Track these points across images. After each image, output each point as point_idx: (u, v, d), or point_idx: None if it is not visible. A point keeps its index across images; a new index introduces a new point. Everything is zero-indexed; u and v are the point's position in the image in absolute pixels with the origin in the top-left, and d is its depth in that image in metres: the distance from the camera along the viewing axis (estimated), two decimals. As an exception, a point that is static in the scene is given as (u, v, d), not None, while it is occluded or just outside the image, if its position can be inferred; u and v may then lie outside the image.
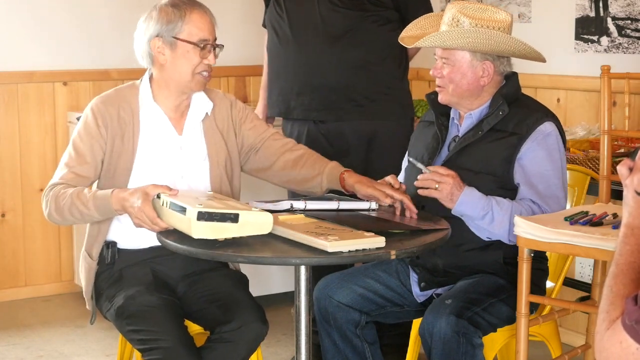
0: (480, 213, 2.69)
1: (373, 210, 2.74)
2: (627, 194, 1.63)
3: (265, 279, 4.42)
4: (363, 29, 3.54)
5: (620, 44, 3.75)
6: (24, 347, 4.04)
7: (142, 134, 2.84)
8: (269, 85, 3.77)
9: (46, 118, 4.68)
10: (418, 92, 4.67)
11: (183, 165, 2.86)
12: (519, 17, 4.16)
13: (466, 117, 2.87)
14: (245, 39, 5.04)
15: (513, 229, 2.68)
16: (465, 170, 2.77)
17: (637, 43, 3.68)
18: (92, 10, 4.71)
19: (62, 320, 4.38)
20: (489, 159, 2.77)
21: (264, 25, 3.85)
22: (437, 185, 2.66)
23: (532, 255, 2.64)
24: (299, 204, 2.75)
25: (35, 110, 4.65)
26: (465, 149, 2.80)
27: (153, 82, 2.86)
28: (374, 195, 2.74)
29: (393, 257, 2.36)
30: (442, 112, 2.92)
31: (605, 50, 3.80)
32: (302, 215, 2.63)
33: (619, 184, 3.13)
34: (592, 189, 3.10)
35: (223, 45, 2.85)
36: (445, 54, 2.79)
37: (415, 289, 2.91)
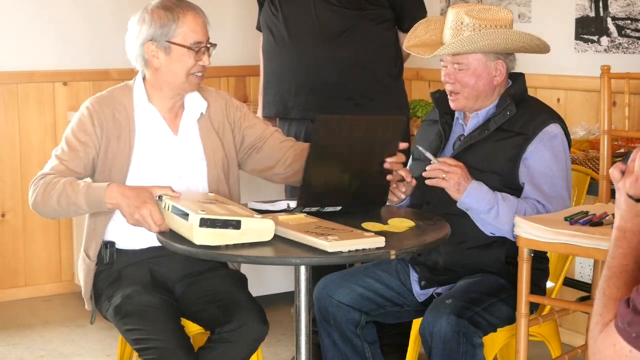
0: (486, 207, 2.70)
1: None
2: (619, 197, 1.65)
3: (265, 279, 4.42)
4: (359, 27, 3.54)
5: (620, 44, 3.75)
6: (24, 347, 4.04)
7: (137, 135, 2.83)
8: (265, 86, 3.77)
9: (46, 118, 4.68)
10: (418, 92, 4.68)
11: (180, 166, 2.86)
12: (519, 17, 4.16)
13: (472, 117, 2.88)
14: (245, 39, 5.04)
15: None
16: (470, 168, 2.77)
17: (637, 43, 3.68)
18: (93, 10, 4.71)
19: (62, 320, 4.38)
20: (494, 158, 2.78)
21: (258, 28, 3.85)
22: (444, 175, 2.67)
23: (532, 255, 2.64)
24: (294, 203, 2.75)
25: (35, 110, 4.65)
26: (470, 148, 2.81)
27: (146, 83, 2.86)
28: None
29: (393, 257, 2.36)
30: (447, 111, 2.93)
31: (605, 50, 3.80)
32: (302, 215, 2.63)
33: (619, 184, 3.15)
34: (592, 189, 3.11)
35: (216, 44, 2.84)
36: (457, 59, 2.79)
37: (415, 287, 2.91)
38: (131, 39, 2.82)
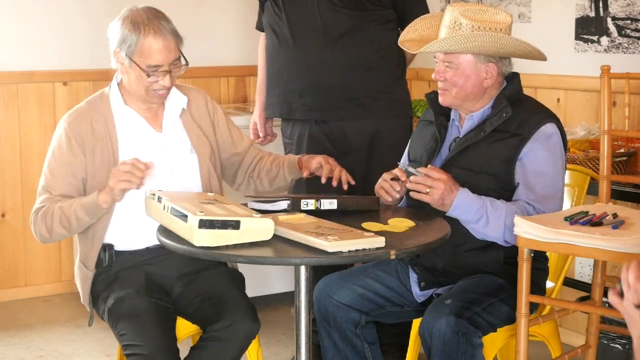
0: (475, 217, 2.70)
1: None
2: (632, 313, 1.75)
3: (265, 279, 4.42)
4: (363, 28, 3.54)
5: (620, 44, 3.75)
6: (24, 347, 4.04)
7: (120, 140, 2.84)
8: (268, 87, 3.76)
9: (46, 118, 4.68)
10: (418, 92, 4.67)
11: (169, 162, 2.87)
12: (519, 17, 4.16)
13: (467, 119, 2.87)
14: (245, 39, 5.04)
15: (507, 232, 2.69)
16: (466, 170, 2.77)
17: (637, 43, 3.68)
18: (93, 11, 4.71)
19: (62, 320, 4.38)
20: (490, 159, 2.78)
21: (258, 28, 3.85)
22: (428, 190, 2.67)
23: (532, 255, 2.64)
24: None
25: (35, 110, 4.65)
26: (466, 150, 2.80)
27: (121, 87, 2.89)
28: (319, 162, 2.93)
29: (393, 257, 2.36)
30: (442, 112, 2.92)
31: (605, 50, 3.80)
32: (302, 215, 2.63)
33: (619, 184, 3.15)
34: (592, 189, 3.10)
35: (187, 64, 2.82)
36: (448, 57, 2.78)
37: (415, 288, 2.91)
38: (109, 38, 2.85)
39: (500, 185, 2.77)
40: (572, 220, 2.62)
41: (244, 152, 3.06)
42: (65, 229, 2.77)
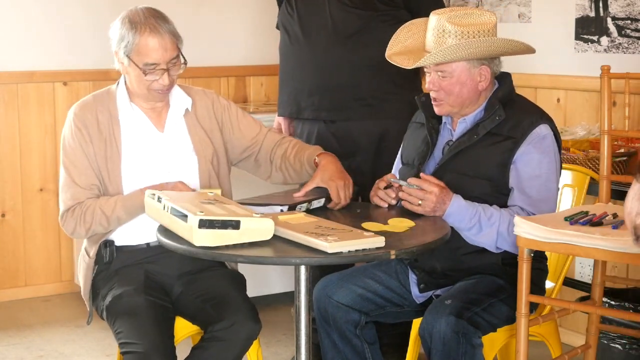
0: (467, 225, 2.70)
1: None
2: None
3: (265, 279, 4.42)
4: (373, 28, 3.53)
5: (620, 44, 3.75)
6: (24, 347, 4.04)
7: (124, 135, 2.86)
8: (281, 85, 3.77)
9: (46, 118, 4.68)
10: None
11: (169, 162, 2.88)
12: (519, 17, 4.16)
13: (460, 122, 2.86)
14: (245, 39, 5.05)
15: (500, 239, 2.70)
16: (460, 174, 2.77)
17: (637, 43, 3.68)
18: (93, 10, 4.71)
19: (62, 320, 4.38)
20: (484, 163, 2.77)
21: (278, 27, 3.85)
22: (420, 202, 2.67)
23: (532, 255, 2.64)
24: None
25: (35, 110, 4.65)
26: (460, 154, 2.80)
27: (127, 85, 2.90)
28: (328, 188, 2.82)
29: (393, 257, 2.36)
30: (433, 115, 2.90)
31: (605, 50, 3.80)
32: (302, 215, 2.63)
33: (619, 184, 3.15)
34: (592, 189, 3.10)
35: (186, 63, 2.84)
36: (441, 67, 2.77)
37: (414, 290, 2.91)
38: (111, 42, 2.87)
39: (494, 189, 2.76)
40: (572, 220, 2.62)
41: (258, 142, 3.03)
42: (104, 227, 2.82)
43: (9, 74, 4.59)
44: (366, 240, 2.35)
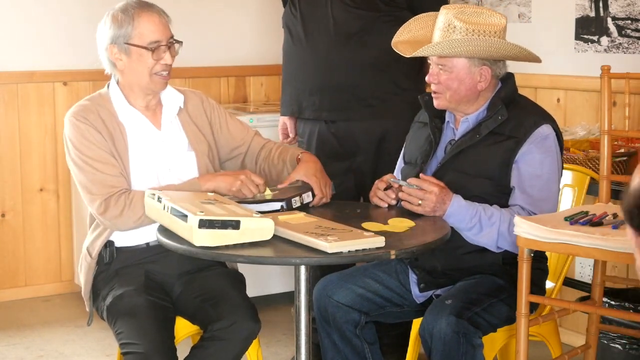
0: (468, 225, 2.70)
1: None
2: None
3: (265, 279, 4.42)
4: (375, 29, 3.53)
5: (620, 44, 3.75)
6: (24, 347, 4.04)
7: (128, 133, 2.87)
8: (283, 85, 3.79)
9: (46, 118, 4.68)
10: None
11: (168, 158, 2.90)
12: (519, 17, 4.16)
13: (462, 121, 2.86)
14: (245, 39, 5.05)
15: (500, 239, 2.70)
16: (462, 173, 2.77)
17: (637, 43, 3.68)
18: (93, 10, 4.69)
19: (62, 320, 4.38)
20: (486, 162, 2.77)
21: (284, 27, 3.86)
22: (419, 202, 2.67)
23: (532, 255, 2.64)
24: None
25: (35, 110, 4.65)
26: (462, 153, 2.80)
27: (120, 85, 2.91)
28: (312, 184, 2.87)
29: (393, 256, 2.36)
30: (436, 115, 2.91)
31: (605, 50, 3.80)
32: (302, 215, 2.63)
33: (619, 184, 3.15)
34: (592, 189, 3.10)
35: (182, 42, 2.88)
36: (442, 60, 2.78)
37: (414, 290, 2.91)
38: (98, 43, 2.88)
39: (496, 188, 2.77)
40: (572, 220, 2.62)
41: (245, 143, 3.07)
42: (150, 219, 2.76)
43: (9, 74, 4.59)
44: (366, 240, 2.36)
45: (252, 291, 2.92)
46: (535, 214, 2.72)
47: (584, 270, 3.87)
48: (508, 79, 2.85)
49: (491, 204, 2.73)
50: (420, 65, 3.65)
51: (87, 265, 2.90)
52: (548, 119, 2.81)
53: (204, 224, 2.36)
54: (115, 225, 2.79)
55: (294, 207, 2.76)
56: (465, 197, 2.72)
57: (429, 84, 2.89)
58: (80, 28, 4.69)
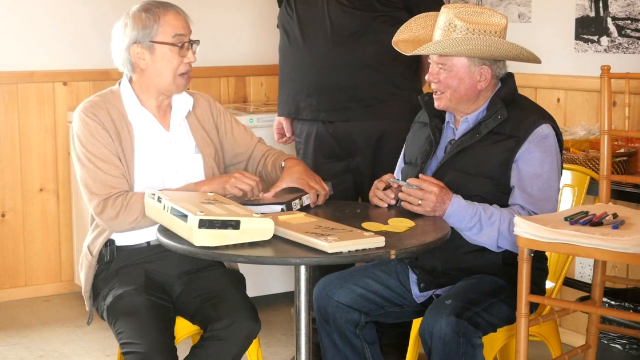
0: (468, 225, 2.71)
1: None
2: None
3: (265, 279, 4.42)
4: (372, 29, 3.53)
5: (620, 44, 3.75)
6: (24, 347, 4.04)
7: (135, 133, 2.87)
8: (280, 86, 3.78)
9: (46, 118, 4.68)
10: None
11: (175, 160, 2.91)
12: (519, 17, 4.16)
13: (462, 121, 2.86)
14: (245, 39, 5.05)
15: (500, 238, 2.70)
16: (462, 173, 2.77)
17: (637, 43, 3.68)
18: (93, 10, 4.71)
19: (62, 320, 4.38)
20: (486, 162, 2.77)
21: (279, 27, 3.86)
22: (419, 202, 2.67)
23: (532, 255, 2.64)
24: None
25: (35, 110, 4.65)
26: (462, 152, 2.80)
27: (133, 84, 2.91)
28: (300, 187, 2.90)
29: (393, 256, 2.36)
30: (436, 115, 2.91)
31: (605, 50, 3.80)
32: (302, 215, 2.63)
33: (619, 184, 3.15)
34: (592, 189, 3.11)
35: (199, 41, 2.90)
36: (442, 59, 2.78)
37: (414, 290, 2.91)
38: (116, 44, 2.88)
39: (496, 188, 2.77)
40: (572, 220, 2.62)
41: (248, 150, 3.08)
42: (148, 221, 2.77)
43: (9, 74, 4.59)
44: (366, 240, 2.36)
45: (252, 291, 2.92)
46: (535, 213, 2.72)
47: (584, 270, 3.87)
48: (508, 79, 2.86)
49: (491, 204, 2.74)
50: (417, 65, 3.66)
51: (87, 264, 2.90)
52: (548, 118, 2.81)
53: (204, 224, 2.36)
54: (110, 227, 2.80)
55: (294, 210, 2.76)
56: (466, 197, 2.72)
57: (427, 84, 2.89)
58: (80, 28, 4.69)
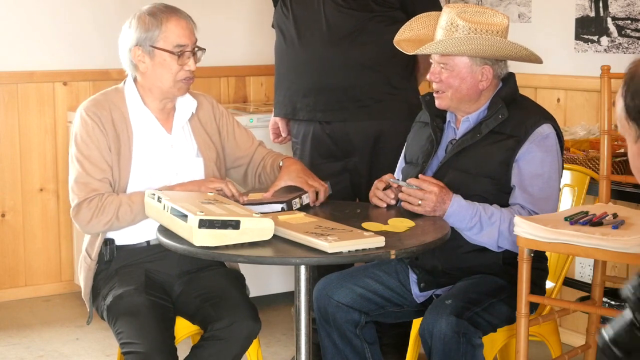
0: (468, 225, 2.71)
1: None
2: None
3: (265, 279, 4.42)
4: (368, 29, 3.53)
5: (620, 44, 3.75)
6: (24, 347, 4.04)
7: (135, 135, 2.87)
8: (276, 86, 3.78)
9: (46, 118, 4.68)
10: (422, 92, 4.68)
11: (176, 163, 2.90)
12: (519, 17, 4.16)
13: (463, 121, 2.87)
14: (245, 39, 5.05)
15: (501, 238, 2.70)
16: (462, 172, 2.77)
17: (637, 43, 3.68)
18: (93, 10, 4.71)
19: (62, 320, 4.38)
20: (486, 161, 2.77)
21: (273, 26, 3.85)
22: (419, 202, 2.67)
23: (532, 255, 2.64)
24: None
25: (35, 110, 4.65)
26: (462, 152, 2.80)
27: (138, 85, 2.91)
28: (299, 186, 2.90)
29: (393, 256, 2.36)
30: (437, 114, 2.92)
31: (605, 50, 3.80)
32: (302, 215, 2.63)
33: (619, 184, 3.15)
34: (592, 189, 3.11)
35: (205, 49, 2.88)
36: (444, 59, 2.78)
37: (414, 289, 2.91)
38: (121, 44, 2.88)
39: (497, 187, 2.77)
40: (572, 220, 2.62)
41: (249, 154, 3.08)
42: (127, 222, 2.79)
43: (9, 74, 4.59)
44: (366, 240, 2.36)
45: (252, 291, 2.92)
46: (535, 212, 2.72)
47: (584, 270, 3.87)
48: (509, 79, 2.86)
49: (492, 203, 2.74)
50: (414, 65, 3.66)
51: (86, 267, 2.90)
52: (548, 118, 2.81)
53: (204, 224, 2.36)
54: (84, 230, 2.82)
55: (294, 209, 2.76)
56: (466, 196, 2.72)
57: (427, 84, 2.89)
58: (80, 28, 4.69)
